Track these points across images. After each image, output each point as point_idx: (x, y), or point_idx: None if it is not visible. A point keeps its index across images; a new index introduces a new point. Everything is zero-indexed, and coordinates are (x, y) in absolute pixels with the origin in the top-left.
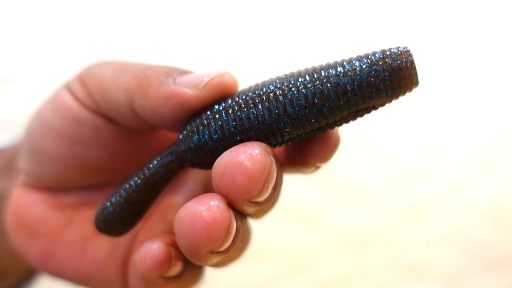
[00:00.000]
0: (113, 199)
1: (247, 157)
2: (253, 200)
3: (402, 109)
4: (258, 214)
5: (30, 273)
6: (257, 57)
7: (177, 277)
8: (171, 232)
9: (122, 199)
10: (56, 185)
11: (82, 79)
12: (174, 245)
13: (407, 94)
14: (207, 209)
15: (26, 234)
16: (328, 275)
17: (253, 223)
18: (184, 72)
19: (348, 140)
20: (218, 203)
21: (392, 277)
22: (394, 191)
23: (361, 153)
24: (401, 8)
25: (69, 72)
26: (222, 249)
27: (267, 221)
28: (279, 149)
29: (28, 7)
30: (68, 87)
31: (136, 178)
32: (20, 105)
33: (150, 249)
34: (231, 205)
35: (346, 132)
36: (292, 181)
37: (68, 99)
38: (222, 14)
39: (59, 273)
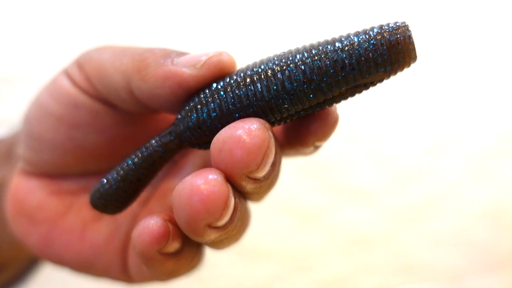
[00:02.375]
0: (110, 177)
1: (245, 131)
2: (252, 175)
3: (402, 109)
4: (257, 194)
5: (31, 264)
6: (254, 37)
7: (176, 254)
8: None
9: (119, 177)
10: (55, 172)
11: (79, 63)
12: (172, 221)
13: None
14: (205, 182)
15: (26, 221)
16: (328, 275)
17: (253, 223)
18: (181, 53)
19: (348, 140)
20: (216, 176)
21: (392, 277)
22: (394, 191)
23: (361, 153)
24: (402, 6)
25: None
26: (220, 223)
27: (267, 221)
28: (277, 130)
29: (28, 7)
30: (66, 72)
31: (134, 157)
32: (20, 105)
33: (147, 224)
34: (230, 180)
35: (346, 132)
36: (292, 181)
37: (66, 84)
38: None
39: (59, 260)
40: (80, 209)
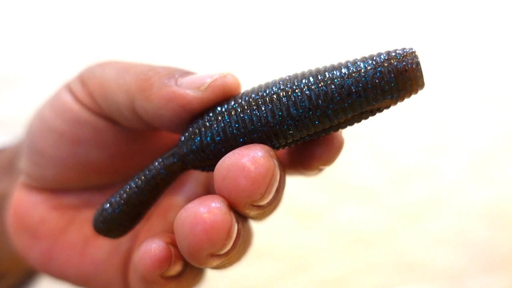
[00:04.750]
0: (113, 200)
1: (250, 160)
2: (255, 203)
3: (402, 109)
4: (260, 217)
5: (30, 274)
6: (260, 58)
7: (177, 276)
8: (171, 232)
9: (122, 201)
10: (57, 187)
11: (83, 79)
12: (174, 244)
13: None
14: (208, 211)
15: (27, 235)
16: (328, 275)
17: (252, 222)
18: (186, 73)
19: (348, 140)
20: (219, 205)
21: (392, 277)
22: (394, 190)
23: (362, 152)
24: (404, 9)
25: (69, 72)
26: (222, 252)
27: (267, 221)
28: (281, 152)
29: (28, 8)
30: (69, 88)
31: (137, 180)
32: (20, 105)
33: (149, 248)
34: (233, 207)
35: (346, 131)
36: (292, 180)
37: (68, 99)
38: (224, 14)
39: (59, 275)
40: (81, 224)
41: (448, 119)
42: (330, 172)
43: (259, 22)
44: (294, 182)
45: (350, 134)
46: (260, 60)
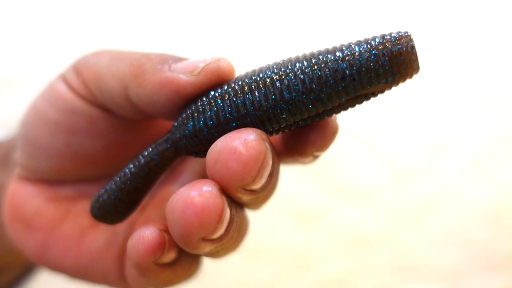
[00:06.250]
0: (108, 187)
1: (241, 143)
2: (248, 187)
3: (402, 108)
4: (254, 204)
5: (28, 269)
6: (254, 43)
7: (172, 264)
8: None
9: (117, 187)
10: (52, 178)
11: (77, 68)
12: (167, 231)
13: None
14: (199, 194)
15: (23, 227)
16: (328, 275)
17: (253, 223)
18: (179, 59)
19: (348, 140)
20: (210, 188)
21: (392, 277)
22: (394, 191)
23: (361, 152)
24: (402, 5)
25: None
26: (214, 236)
27: (267, 221)
28: (275, 138)
29: (28, 7)
30: (63, 77)
31: (131, 166)
32: (20, 105)
33: (143, 235)
34: (225, 192)
35: (346, 131)
36: (292, 180)
37: (62, 89)
38: (219, 1)
39: (56, 266)
40: (77, 215)
41: (448, 119)
42: (330, 172)
43: (253, 7)
44: (295, 183)
45: (350, 135)
46: (255, 46)
